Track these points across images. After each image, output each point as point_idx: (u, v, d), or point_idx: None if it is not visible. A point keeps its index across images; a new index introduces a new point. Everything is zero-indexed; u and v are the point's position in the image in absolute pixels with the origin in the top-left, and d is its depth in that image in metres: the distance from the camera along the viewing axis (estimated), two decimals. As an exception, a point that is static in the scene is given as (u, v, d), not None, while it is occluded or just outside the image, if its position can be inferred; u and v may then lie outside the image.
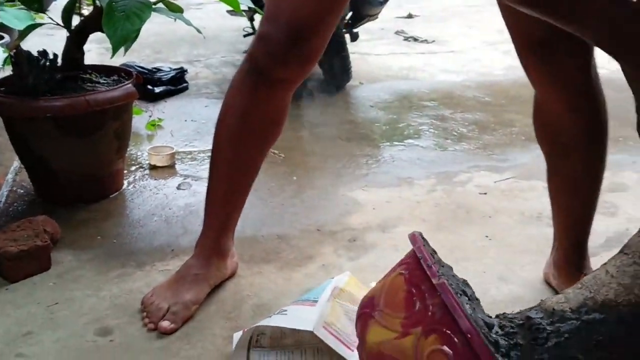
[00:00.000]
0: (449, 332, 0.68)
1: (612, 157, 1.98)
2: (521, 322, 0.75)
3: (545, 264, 1.36)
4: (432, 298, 0.70)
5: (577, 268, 1.25)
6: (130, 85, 1.62)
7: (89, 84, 1.63)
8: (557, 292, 1.30)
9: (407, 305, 0.72)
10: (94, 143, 1.60)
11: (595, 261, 1.35)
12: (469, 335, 0.66)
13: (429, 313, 0.70)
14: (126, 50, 1.44)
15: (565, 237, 1.27)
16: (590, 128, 1.14)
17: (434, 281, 0.71)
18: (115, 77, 1.71)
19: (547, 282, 1.34)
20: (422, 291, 0.72)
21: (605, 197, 1.74)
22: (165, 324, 1.17)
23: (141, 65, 2.61)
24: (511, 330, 0.74)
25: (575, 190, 1.21)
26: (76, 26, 1.62)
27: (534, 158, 1.89)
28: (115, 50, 1.36)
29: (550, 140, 1.20)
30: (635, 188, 1.81)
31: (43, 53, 1.60)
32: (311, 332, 1.00)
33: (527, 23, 1.04)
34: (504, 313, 0.80)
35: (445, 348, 0.67)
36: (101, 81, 1.67)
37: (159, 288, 1.25)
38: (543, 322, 0.74)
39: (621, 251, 0.79)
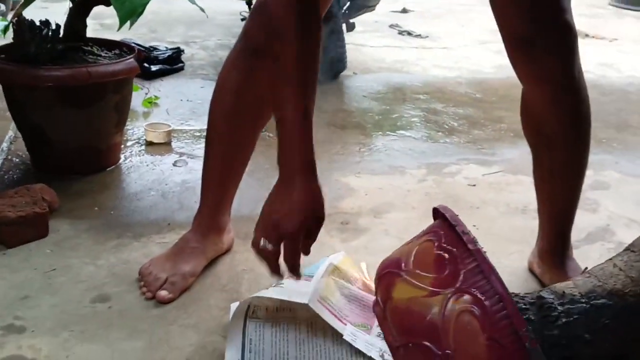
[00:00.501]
0: (480, 295, 0.72)
1: (596, 157, 2.07)
2: (533, 300, 0.81)
3: (530, 254, 1.41)
4: (464, 262, 0.75)
5: (560, 257, 1.31)
6: (132, 59, 1.63)
7: (90, 56, 1.64)
8: (540, 280, 1.36)
9: (437, 268, 0.77)
10: (93, 115, 1.61)
11: (577, 254, 1.41)
12: (502, 298, 0.71)
13: (461, 276, 0.74)
14: (132, 24, 1.46)
15: (549, 227, 1.32)
16: (572, 121, 1.19)
17: (470, 247, 0.76)
18: (117, 51, 1.72)
19: (531, 271, 1.39)
20: (454, 255, 0.76)
21: (587, 195, 1.81)
22: (163, 293, 1.20)
23: (138, 42, 2.61)
24: (523, 307, 0.79)
25: (558, 181, 1.26)
26: (80, -3, 1.62)
27: (522, 154, 1.94)
28: (122, 23, 1.37)
29: (535, 132, 1.25)
30: (616, 187, 1.87)
31: (45, 22, 1.60)
32: (306, 305, 1.03)
33: (512, 20, 1.10)
34: (515, 292, 0.85)
35: (475, 309, 0.72)
36: (103, 54, 1.68)
37: (156, 259, 1.28)
38: (555, 303, 0.79)
39: (627, 249, 0.87)
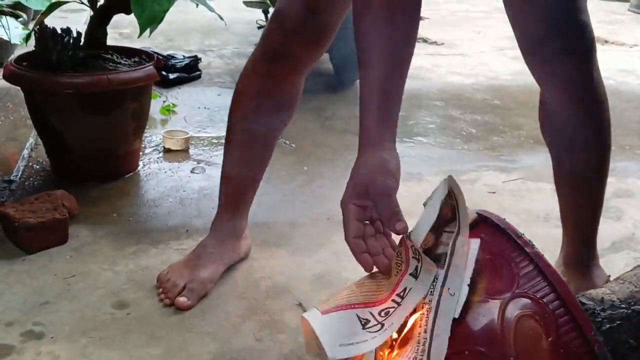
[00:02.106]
0: (541, 299, 0.71)
1: (619, 164, 2.04)
2: None
3: (554, 262, 1.39)
4: (519, 266, 0.73)
5: (586, 264, 1.28)
6: (151, 67, 1.64)
7: (110, 64, 1.65)
8: None
9: (489, 273, 0.75)
10: (112, 122, 1.62)
11: (602, 262, 1.38)
12: (566, 302, 0.70)
13: (518, 281, 0.73)
14: (151, 31, 1.46)
15: (574, 234, 1.29)
16: (593, 121, 1.17)
17: (528, 250, 0.74)
18: (137, 59, 1.73)
19: None
20: (507, 260, 0.74)
21: (611, 203, 1.78)
22: (182, 299, 1.20)
23: (155, 51, 2.62)
24: None
25: (581, 184, 1.23)
26: (101, 5, 1.64)
27: (542, 161, 1.92)
28: (142, 30, 1.38)
29: (555, 136, 1.23)
30: (640, 194, 1.84)
31: (67, 30, 1.62)
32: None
33: (526, 20, 1.09)
34: None
35: (537, 313, 0.70)
36: (122, 62, 1.69)
37: (175, 266, 1.28)
38: (597, 309, 0.78)
39: None
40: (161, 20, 1.42)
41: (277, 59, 1.17)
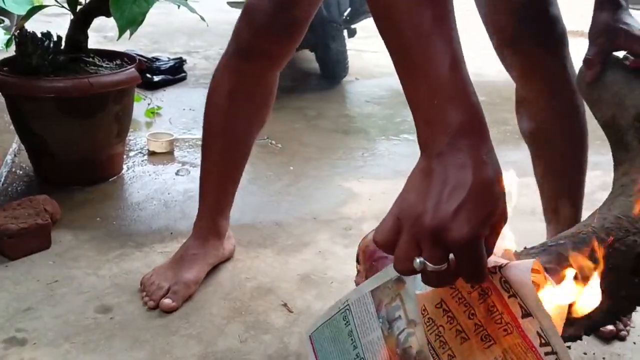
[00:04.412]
0: None
1: (603, 157, 2.03)
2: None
3: None
4: None
5: None
6: (133, 69, 1.63)
7: (92, 67, 1.64)
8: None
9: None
10: (94, 125, 1.61)
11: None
12: None
13: None
14: (131, 34, 1.46)
15: (556, 225, 1.29)
16: (568, 112, 1.19)
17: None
18: (118, 62, 1.72)
19: None
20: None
21: (597, 195, 1.78)
22: (166, 302, 1.19)
23: (140, 54, 2.61)
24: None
25: (560, 174, 1.24)
26: (81, 8, 1.63)
27: (527, 156, 1.90)
28: (121, 32, 1.37)
29: (532, 128, 1.24)
30: (624, 188, 1.85)
31: (47, 35, 1.61)
32: None
33: (498, 16, 1.11)
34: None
35: None
36: (104, 65, 1.68)
37: (159, 269, 1.27)
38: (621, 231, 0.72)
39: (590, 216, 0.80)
40: (141, 22, 1.42)
41: (249, 56, 1.16)
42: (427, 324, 0.66)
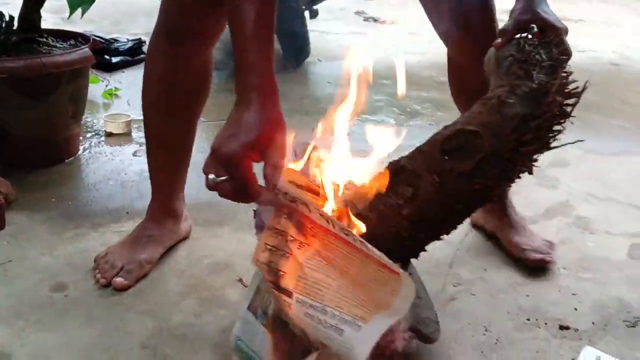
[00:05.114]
0: None
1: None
2: None
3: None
4: None
5: (501, 205, 1.39)
6: (87, 49, 1.62)
7: (45, 47, 1.62)
8: (486, 232, 1.45)
9: None
10: (49, 106, 1.60)
11: (536, 228, 1.45)
12: None
13: None
14: (83, 12, 1.44)
15: None
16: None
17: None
18: (72, 42, 1.70)
19: (475, 226, 1.47)
20: None
21: (547, 172, 1.84)
22: (118, 280, 1.19)
23: (99, 35, 2.58)
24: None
25: None
26: (32, -13, 1.60)
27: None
28: (72, 10, 1.36)
29: (464, 93, 1.32)
30: (576, 164, 1.91)
31: (-2, 14, 1.58)
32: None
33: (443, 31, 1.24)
34: None
35: None
36: (58, 45, 1.66)
37: (113, 248, 1.27)
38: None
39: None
40: (92, 1, 1.40)
41: (180, 39, 1.15)
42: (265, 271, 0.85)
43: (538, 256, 1.33)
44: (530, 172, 0.92)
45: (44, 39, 1.65)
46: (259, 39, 0.84)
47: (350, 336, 0.74)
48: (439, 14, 1.22)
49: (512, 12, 1.10)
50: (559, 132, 0.95)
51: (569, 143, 1.00)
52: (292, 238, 0.83)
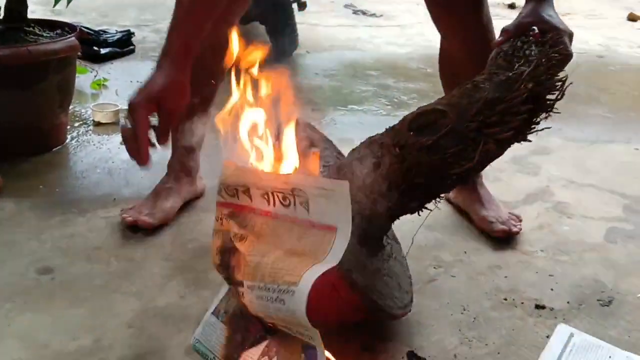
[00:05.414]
0: None
1: (541, 124, 2.13)
2: None
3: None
4: None
5: (471, 182, 1.46)
6: (73, 38, 1.63)
7: (31, 37, 1.63)
8: (454, 204, 1.53)
9: None
10: (36, 95, 1.61)
11: (516, 212, 1.48)
12: None
13: None
14: (68, 2, 1.45)
15: None
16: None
17: None
18: (59, 32, 1.71)
19: (449, 201, 1.54)
20: None
21: (529, 159, 1.87)
22: (144, 217, 1.34)
23: (87, 26, 2.59)
24: None
25: None
26: (19, -23, 1.61)
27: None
28: (57, 0, 1.37)
29: (454, 85, 1.35)
30: (558, 152, 1.94)
31: (-16, 3, 1.59)
32: None
33: None
34: None
35: None
36: (44, 35, 1.67)
37: (138, 202, 1.40)
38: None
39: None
40: (78, -11, 1.41)
41: None
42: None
43: (502, 227, 1.40)
44: (494, 156, 0.95)
45: (31, 29, 1.67)
46: (186, 25, 1.08)
47: (289, 302, 0.78)
48: None
49: (518, 15, 1.13)
50: (536, 122, 0.98)
51: (545, 128, 1.03)
52: (234, 234, 0.88)
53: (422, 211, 1.05)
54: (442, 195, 1.04)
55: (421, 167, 0.92)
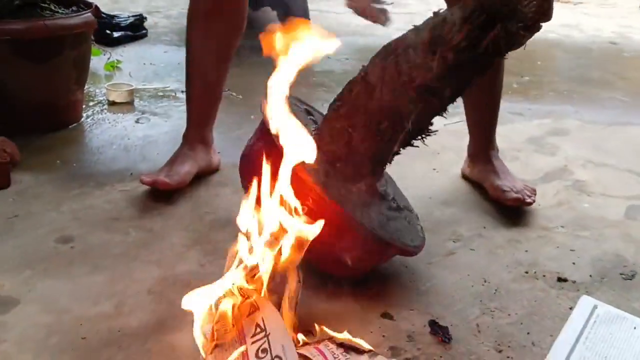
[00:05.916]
0: None
1: (557, 107, 2.13)
2: None
3: (463, 163, 1.58)
4: None
5: (486, 155, 1.50)
6: (89, 14, 1.63)
7: (47, 12, 1.63)
8: (470, 179, 1.55)
9: None
10: (52, 70, 1.61)
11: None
12: None
13: None
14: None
15: (476, 132, 1.53)
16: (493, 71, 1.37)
17: None
18: (75, 8, 1.71)
19: (464, 176, 1.57)
20: None
21: (547, 140, 1.86)
22: (162, 177, 1.36)
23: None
24: None
25: (479, 93, 1.42)
26: (35, -47, 1.61)
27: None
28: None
29: None
30: (575, 133, 1.93)
31: (1, -22, 1.59)
32: None
33: None
34: None
35: None
36: (60, 11, 1.67)
37: (156, 170, 1.43)
38: None
39: None
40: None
41: (209, 17, 1.32)
42: None
43: (516, 195, 1.40)
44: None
45: (47, 4, 1.66)
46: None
47: None
48: None
49: None
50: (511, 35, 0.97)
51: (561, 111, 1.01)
52: None
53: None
54: None
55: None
